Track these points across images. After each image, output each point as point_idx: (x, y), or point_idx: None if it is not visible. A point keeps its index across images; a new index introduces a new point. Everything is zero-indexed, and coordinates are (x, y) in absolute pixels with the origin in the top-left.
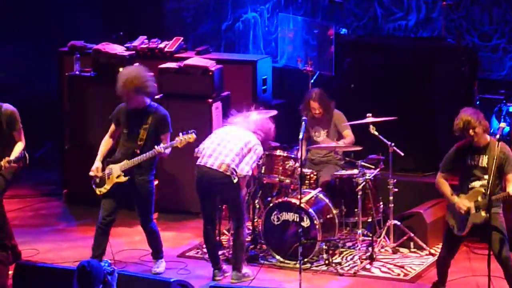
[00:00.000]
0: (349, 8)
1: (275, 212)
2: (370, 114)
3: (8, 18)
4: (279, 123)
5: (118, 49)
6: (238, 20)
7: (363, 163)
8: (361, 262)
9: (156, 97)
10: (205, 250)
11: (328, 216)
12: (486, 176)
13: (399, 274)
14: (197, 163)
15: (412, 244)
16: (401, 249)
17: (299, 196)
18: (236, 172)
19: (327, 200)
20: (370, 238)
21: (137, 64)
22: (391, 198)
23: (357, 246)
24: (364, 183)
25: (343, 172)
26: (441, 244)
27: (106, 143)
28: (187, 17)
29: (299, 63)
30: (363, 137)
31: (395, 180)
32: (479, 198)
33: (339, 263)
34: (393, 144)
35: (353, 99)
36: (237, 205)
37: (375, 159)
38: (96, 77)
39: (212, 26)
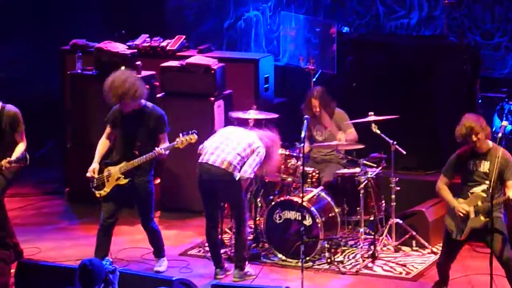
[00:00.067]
0: (351, 6)
1: (277, 211)
2: (372, 113)
3: (10, 16)
4: (281, 122)
5: (120, 47)
6: (240, 19)
7: (365, 162)
8: (363, 261)
9: (158, 95)
10: (207, 248)
11: (330, 215)
12: (487, 182)
13: (401, 273)
14: (199, 160)
15: (414, 242)
16: (403, 248)
17: (301, 195)
18: (238, 170)
19: (329, 199)
20: (372, 237)
21: (122, 68)
22: (393, 196)
23: (359, 244)
24: (366, 181)
25: (345, 170)
26: (441, 248)
27: (103, 145)
28: (189, 15)
29: (301, 61)
30: (365, 136)
31: (397, 179)
32: (479, 203)
33: (341, 262)
34: (395, 142)
35: (355, 97)
36: (239, 203)
37: (377, 157)
38: (98, 75)
39: (214, 24)
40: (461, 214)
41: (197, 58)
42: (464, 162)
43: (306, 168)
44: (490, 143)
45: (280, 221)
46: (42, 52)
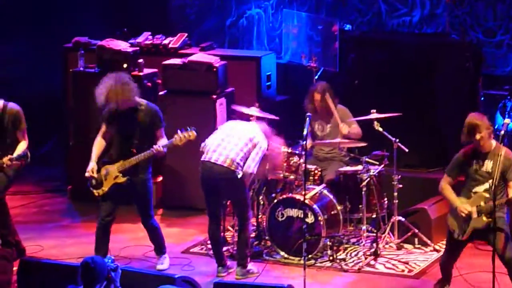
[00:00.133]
0: (353, 4)
1: (280, 208)
2: (375, 110)
3: (11, 14)
4: (283, 120)
5: (122, 45)
6: (242, 16)
7: (367, 159)
8: (366, 258)
9: (160, 93)
10: (209, 246)
11: (332, 212)
12: (490, 181)
13: (403, 270)
14: (202, 159)
15: (416, 240)
16: (406, 245)
17: (303, 192)
18: (241, 167)
19: (331, 196)
20: (374, 234)
21: (110, 75)
22: (395, 194)
23: (362, 242)
24: (368, 179)
25: (348, 168)
26: (444, 247)
27: (99, 144)
28: (191, 13)
29: (303, 59)
30: (367, 133)
31: (399, 176)
32: (482, 203)
33: (344, 259)
34: (397, 140)
35: (357, 95)
36: (242, 201)
37: (379, 155)
38: (100, 73)
39: (216, 22)
40: (463, 214)
41: (199, 56)
42: (468, 162)
43: (309, 166)
44: (494, 142)
45: (283, 218)
46: (42, 51)
